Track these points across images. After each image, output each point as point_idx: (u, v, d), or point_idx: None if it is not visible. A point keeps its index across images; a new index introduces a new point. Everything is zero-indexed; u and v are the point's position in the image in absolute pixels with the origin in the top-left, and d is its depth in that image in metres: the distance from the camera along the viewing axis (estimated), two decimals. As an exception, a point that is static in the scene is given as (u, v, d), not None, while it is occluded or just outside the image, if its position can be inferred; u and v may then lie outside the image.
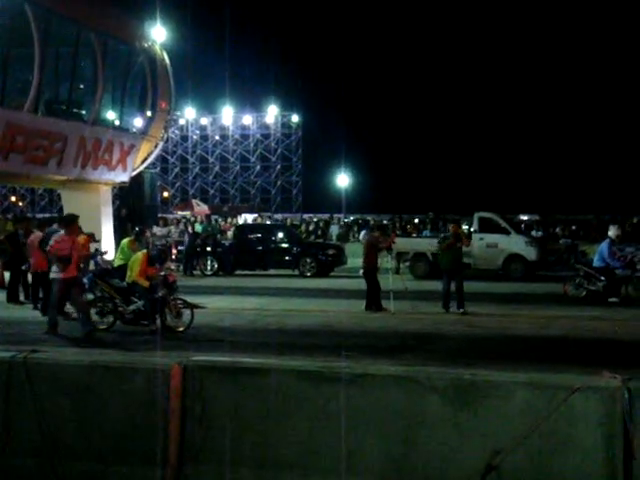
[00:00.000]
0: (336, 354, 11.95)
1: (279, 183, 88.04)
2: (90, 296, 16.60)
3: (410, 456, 6.38)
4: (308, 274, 28.07)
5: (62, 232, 14.93)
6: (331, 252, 29.16)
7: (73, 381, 7.10)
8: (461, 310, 17.53)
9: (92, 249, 21.79)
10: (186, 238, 30.25)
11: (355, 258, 26.72)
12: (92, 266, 19.90)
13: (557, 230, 38.44)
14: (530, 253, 26.66)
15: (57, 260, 14.39)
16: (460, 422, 6.24)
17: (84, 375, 7.11)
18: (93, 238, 19.30)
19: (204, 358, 7.34)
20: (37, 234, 18.58)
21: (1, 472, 7.00)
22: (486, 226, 26.70)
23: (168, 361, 7.01)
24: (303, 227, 44.01)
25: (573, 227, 41.56)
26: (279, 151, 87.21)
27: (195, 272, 29.11)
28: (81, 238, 18.59)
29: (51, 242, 14.50)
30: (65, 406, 7.09)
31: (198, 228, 32.84)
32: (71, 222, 15.13)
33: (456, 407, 6.23)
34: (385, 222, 45.56)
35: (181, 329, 15.16)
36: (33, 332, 14.92)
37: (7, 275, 21.02)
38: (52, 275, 14.54)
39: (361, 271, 18.66)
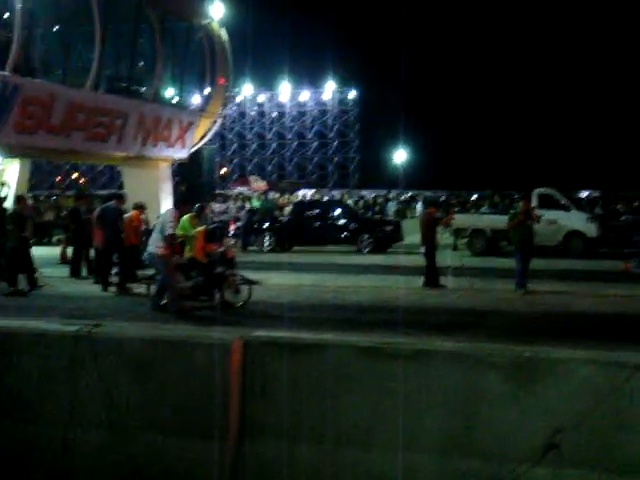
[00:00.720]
0: (394, 331, 11.94)
1: (336, 159, 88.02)
2: (150, 272, 16.79)
3: (469, 433, 6.37)
4: (365, 250, 27.97)
5: (172, 212, 14.91)
6: (389, 228, 29.01)
7: (136, 355, 7.22)
8: (521, 290, 17.22)
9: (152, 224, 22.05)
10: (244, 214, 30.41)
11: (412, 235, 26.57)
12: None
13: (619, 207, 37.75)
14: (590, 230, 26.23)
15: (173, 240, 14.61)
16: (520, 399, 6.20)
17: (147, 349, 7.22)
18: (142, 208, 19.37)
19: (265, 334, 7.39)
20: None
21: (67, 444, 7.15)
22: (546, 202, 26.28)
23: (229, 336, 7.07)
24: (361, 203, 43.90)
25: (635, 203, 40.78)
26: (336, 127, 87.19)
27: (253, 248, 29.25)
28: (134, 213, 18.80)
29: (168, 224, 14.49)
30: (128, 379, 7.21)
31: (256, 204, 33.00)
32: (187, 203, 15.68)
33: (516, 384, 6.20)
34: (443, 198, 45.25)
35: (239, 304, 15.25)
36: (95, 307, 15.16)
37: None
38: (159, 251, 14.52)
39: (422, 249, 18.43)
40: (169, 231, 14.44)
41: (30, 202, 22.37)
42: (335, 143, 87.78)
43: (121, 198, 18.94)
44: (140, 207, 19.16)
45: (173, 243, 14.74)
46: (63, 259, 22.75)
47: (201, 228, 15.95)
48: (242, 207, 32.71)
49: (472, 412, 6.36)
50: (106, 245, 17.90)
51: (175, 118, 28.48)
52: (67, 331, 7.51)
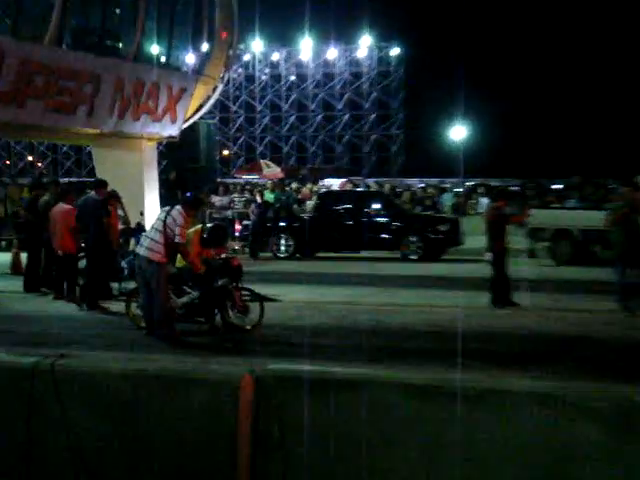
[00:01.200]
0: (453, 363, 11.90)
1: (373, 138, 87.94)
2: (131, 285, 16.84)
3: (555, 499, 6.33)
4: (413, 257, 28.00)
5: (181, 213, 14.77)
6: (443, 228, 29.00)
7: (114, 395, 7.22)
8: (625, 311, 16.99)
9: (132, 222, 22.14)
10: (253, 210, 30.49)
11: (475, 236, 26.55)
12: (132, 245, 20.19)
13: None
14: None
15: (183, 250, 14.68)
16: (628, 457, 6.13)
17: (128, 387, 7.22)
18: (117, 199, 19.46)
19: (282, 367, 7.37)
20: (63, 207, 18.85)
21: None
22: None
23: (236, 370, 7.06)
24: (406, 196, 43.92)
25: None
26: (374, 95, 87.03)
27: (265, 254, 29.32)
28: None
29: (177, 230, 14.46)
30: (103, 427, 7.21)
31: (269, 197, 33.01)
32: (200, 205, 15.97)
33: (622, 437, 6.13)
34: (515, 189, 45.13)
35: (248, 328, 15.27)
36: (59, 331, 15.22)
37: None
38: (152, 256, 14.51)
39: (487, 255, 18.39)
40: (178, 239, 14.44)
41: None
42: (372, 116, 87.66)
43: (102, 185, 18.90)
44: (113, 198, 19.23)
45: (177, 253, 14.83)
46: (16, 268, 22.89)
47: (196, 227, 15.98)
48: (250, 201, 32.80)
49: (561, 472, 6.32)
50: (91, 250, 17.98)
51: (163, 83, 28.57)
52: (22, 363, 7.53)
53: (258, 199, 31.45)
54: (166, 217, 14.55)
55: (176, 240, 14.39)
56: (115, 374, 7.37)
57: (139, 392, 7.21)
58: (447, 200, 43.98)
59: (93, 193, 18.57)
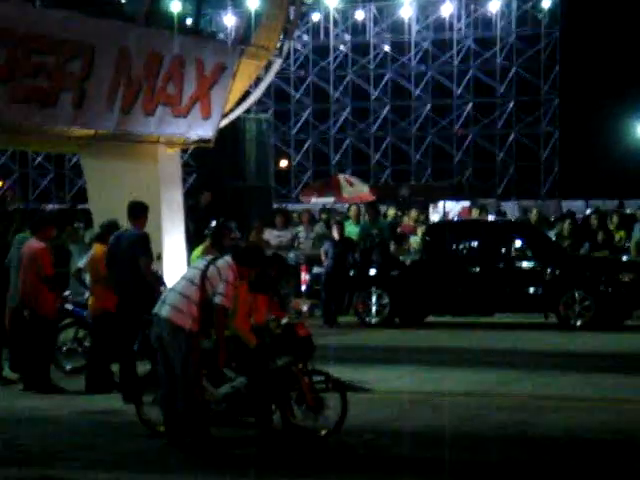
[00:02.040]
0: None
1: (512, 138, 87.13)
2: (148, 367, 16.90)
3: None
4: (578, 323, 27.82)
5: (228, 266, 14.73)
6: (627, 279, 28.76)
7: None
8: None
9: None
10: (327, 251, 30.42)
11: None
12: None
13: None
14: None
15: (219, 318, 14.63)
16: None
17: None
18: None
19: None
20: (34, 244, 19.02)
21: None
22: None
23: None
24: (566, 227, 43.68)
25: None
26: (513, 71, 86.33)
27: (346, 318, 29.31)
28: (98, 249, 18.95)
29: (221, 288, 14.44)
30: None
31: (351, 231, 32.99)
32: (257, 262, 15.38)
33: None
34: None
35: (322, 433, 15.20)
36: (36, 440, 15.27)
37: None
38: (189, 325, 14.45)
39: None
40: (219, 300, 14.39)
41: None
42: (510, 105, 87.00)
43: (142, 212, 18.74)
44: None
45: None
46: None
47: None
48: (323, 237, 32.75)
49: None
50: (125, 308, 18.01)
51: (190, 58, 28.61)
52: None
53: (335, 235, 31.39)
54: (208, 267, 14.53)
55: (216, 301, 14.31)
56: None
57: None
58: (636, 233, 43.11)
59: (130, 225, 18.46)
